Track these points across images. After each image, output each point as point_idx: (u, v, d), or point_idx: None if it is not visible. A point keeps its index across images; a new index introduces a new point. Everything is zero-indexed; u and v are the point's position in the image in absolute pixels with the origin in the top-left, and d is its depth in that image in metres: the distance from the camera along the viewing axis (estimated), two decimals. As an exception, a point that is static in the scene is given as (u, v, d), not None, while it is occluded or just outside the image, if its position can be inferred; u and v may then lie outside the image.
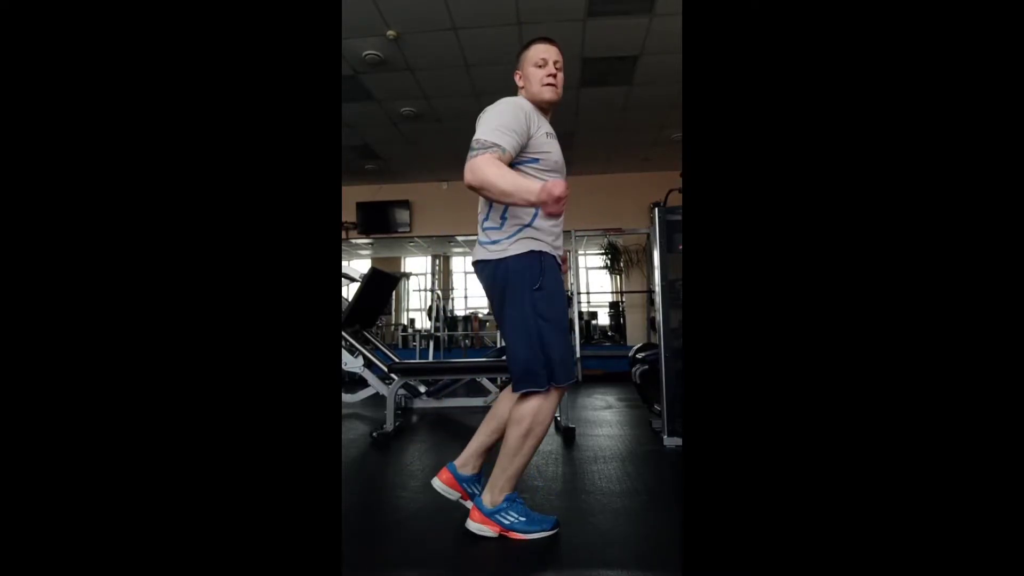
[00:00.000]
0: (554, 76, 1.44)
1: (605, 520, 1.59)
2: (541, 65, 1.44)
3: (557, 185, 1.20)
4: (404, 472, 2.18)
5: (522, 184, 1.26)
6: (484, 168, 1.29)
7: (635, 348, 3.17)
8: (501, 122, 1.35)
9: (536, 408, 1.41)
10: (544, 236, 1.42)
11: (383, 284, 3.90)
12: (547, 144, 1.41)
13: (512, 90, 1.55)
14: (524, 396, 1.42)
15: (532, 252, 1.40)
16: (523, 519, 1.46)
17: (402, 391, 3.40)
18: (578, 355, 5.06)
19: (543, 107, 1.48)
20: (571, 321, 1.41)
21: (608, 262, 7.22)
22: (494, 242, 1.43)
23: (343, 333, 3.38)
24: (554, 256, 1.45)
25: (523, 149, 1.38)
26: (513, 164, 1.36)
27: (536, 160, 1.40)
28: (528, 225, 1.41)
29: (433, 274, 8.29)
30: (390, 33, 3.35)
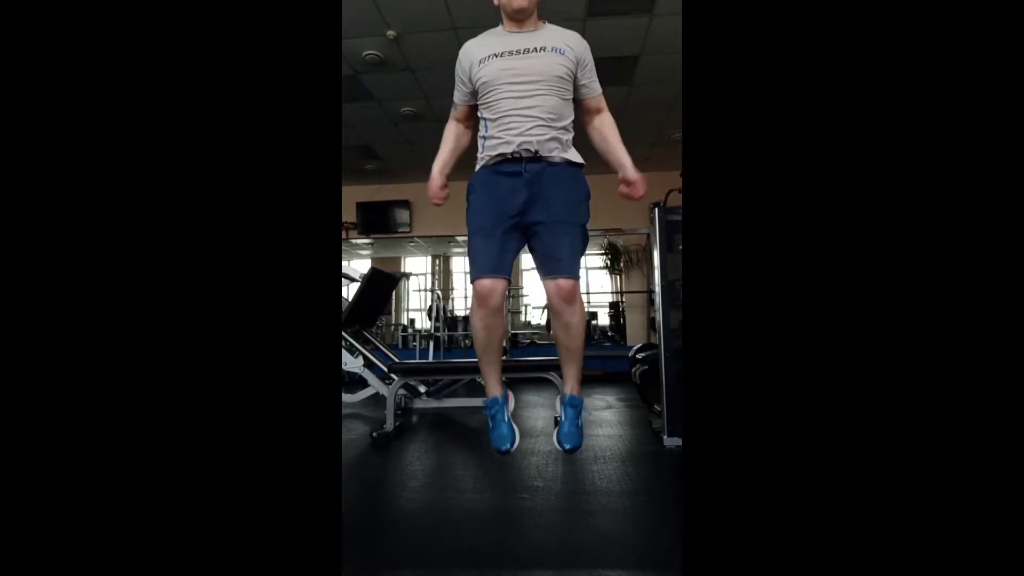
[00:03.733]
0: None
1: (605, 520, 1.59)
2: None
3: (430, 189, 1.53)
4: (404, 472, 2.18)
5: (436, 162, 1.58)
6: (444, 129, 1.57)
7: (635, 348, 3.16)
8: (455, 75, 1.55)
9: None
10: (486, 151, 1.52)
11: (383, 284, 3.90)
12: (481, 71, 1.49)
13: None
14: None
15: (476, 172, 1.56)
16: (491, 429, 1.56)
17: (402, 391, 3.39)
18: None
19: (517, 16, 1.50)
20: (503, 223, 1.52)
21: (608, 262, 7.21)
22: None
23: (343, 333, 3.38)
24: (490, 170, 1.51)
25: (473, 81, 1.51)
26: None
27: (481, 92, 1.52)
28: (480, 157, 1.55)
29: (433, 274, 8.28)
30: (390, 33, 3.34)
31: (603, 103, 1.62)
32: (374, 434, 2.69)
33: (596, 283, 7.67)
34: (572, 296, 1.50)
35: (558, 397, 1.65)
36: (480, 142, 1.53)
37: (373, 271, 3.55)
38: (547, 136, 1.48)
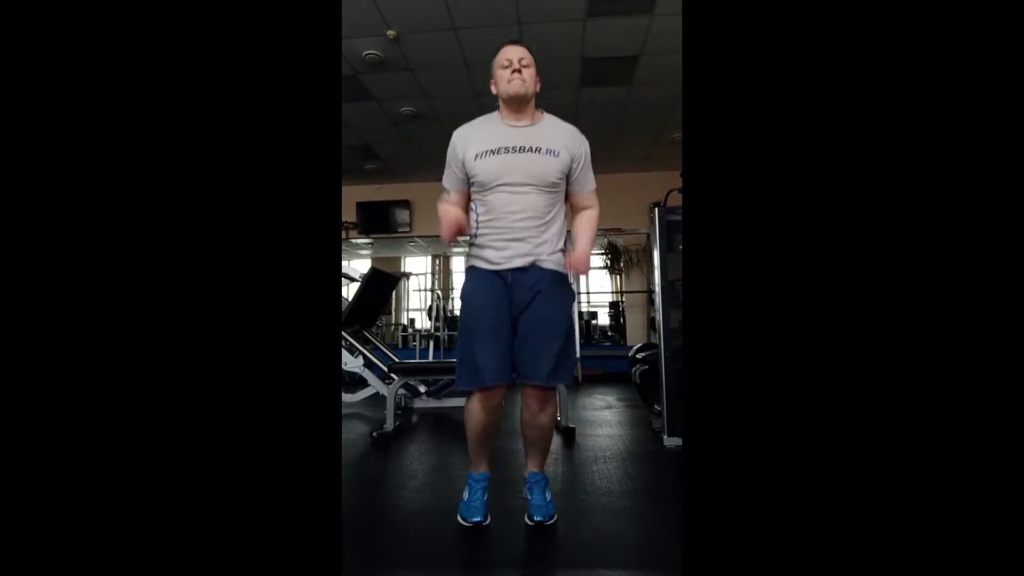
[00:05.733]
0: (519, 72, 1.50)
1: (605, 520, 1.59)
2: (506, 66, 1.52)
3: (443, 228, 1.50)
4: (404, 472, 2.18)
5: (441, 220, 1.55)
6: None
7: (635, 348, 3.16)
8: (447, 161, 1.58)
9: (466, 404, 1.55)
10: (478, 252, 1.55)
11: (383, 284, 3.90)
12: (475, 167, 1.52)
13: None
14: None
15: (469, 268, 1.59)
16: (464, 499, 1.59)
17: (402, 391, 3.39)
18: (578, 355, 5.05)
19: (513, 105, 1.53)
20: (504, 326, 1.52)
21: (608, 262, 7.21)
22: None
23: (343, 333, 3.38)
24: (486, 270, 1.53)
25: (468, 174, 1.54)
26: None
27: (473, 184, 1.55)
28: (472, 245, 1.58)
29: (433, 274, 8.28)
30: (390, 33, 3.35)
31: (593, 200, 1.62)
32: (374, 434, 2.69)
33: (596, 283, 7.67)
34: (545, 401, 1.53)
35: (524, 477, 1.65)
36: (472, 225, 1.56)
37: (373, 271, 3.55)
38: (540, 240, 1.50)
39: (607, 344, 6.54)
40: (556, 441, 2.62)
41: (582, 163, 1.56)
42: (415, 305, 8.27)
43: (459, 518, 1.55)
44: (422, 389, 3.52)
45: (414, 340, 6.66)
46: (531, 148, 1.50)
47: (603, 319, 7.32)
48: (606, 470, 2.12)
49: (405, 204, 6.52)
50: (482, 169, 1.49)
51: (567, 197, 1.60)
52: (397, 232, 6.59)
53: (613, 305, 7.27)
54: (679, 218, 2.51)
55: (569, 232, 1.60)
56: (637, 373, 2.95)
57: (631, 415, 3.37)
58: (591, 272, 7.54)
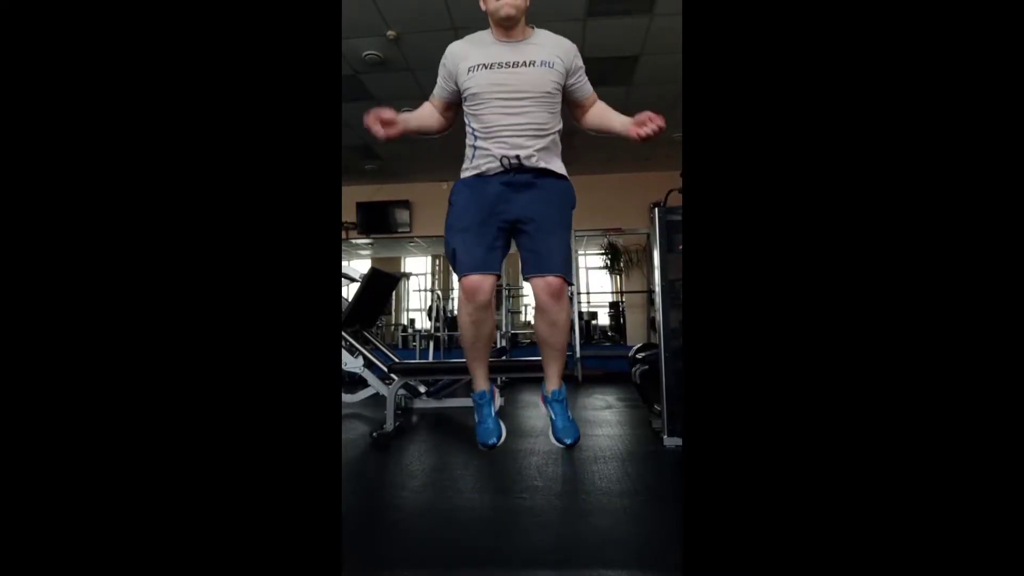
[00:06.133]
0: None
1: (605, 520, 1.59)
2: None
3: (375, 116, 1.46)
4: (404, 472, 2.18)
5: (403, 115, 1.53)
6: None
7: (635, 348, 3.16)
8: (439, 72, 1.58)
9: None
10: (471, 166, 1.53)
11: (383, 284, 3.90)
12: (468, 80, 1.50)
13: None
14: None
15: (459, 180, 1.57)
16: (476, 424, 1.58)
17: (402, 391, 3.39)
18: (578, 355, 5.05)
19: (505, 24, 1.51)
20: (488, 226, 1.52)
21: (608, 262, 7.21)
22: None
23: (343, 333, 3.38)
24: (475, 176, 1.52)
25: (460, 88, 1.52)
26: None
27: (467, 98, 1.52)
28: (466, 159, 1.56)
29: (433, 274, 8.29)
30: (390, 33, 3.35)
31: (595, 98, 1.62)
32: (374, 434, 2.69)
33: (596, 283, 7.67)
34: (560, 293, 1.51)
35: (541, 398, 1.64)
36: (468, 151, 1.53)
37: (373, 271, 3.55)
38: (536, 147, 1.48)
39: (607, 344, 6.54)
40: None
41: (578, 71, 1.57)
42: (415, 305, 8.27)
43: (479, 445, 1.57)
44: (422, 389, 3.52)
45: (414, 340, 6.66)
46: (525, 62, 1.50)
47: (603, 319, 7.32)
48: (606, 470, 2.12)
49: (405, 204, 6.51)
50: (475, 82, 1.49)
51: (570, 106, 1.60)
52: (397, 232, 6.59)
53: (613, 305, 7.27)
54: (679, 218, 2.51)
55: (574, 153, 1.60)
56: (637, 373, 2.95)
57: (631, 415, 3.37)
58: (591, 272, 7.57)
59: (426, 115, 1.62)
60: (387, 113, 1.47)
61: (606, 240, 6.99)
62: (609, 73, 3.90)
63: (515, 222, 1.49)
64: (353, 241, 6.88)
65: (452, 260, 1.52)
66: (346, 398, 3.87)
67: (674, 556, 1.32)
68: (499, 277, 1.53)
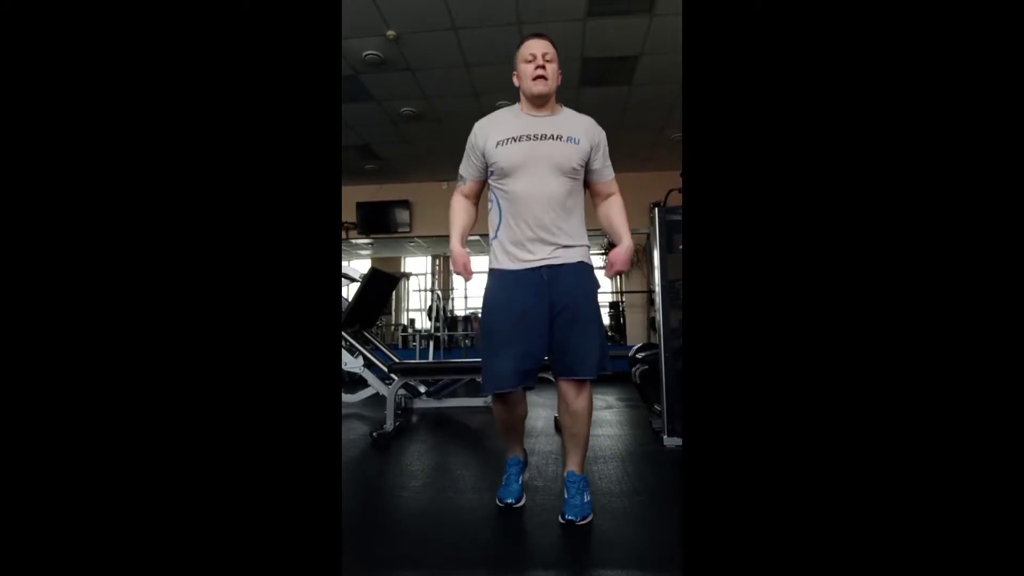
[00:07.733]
0: (543, 68, 1.50)
1: (605, 520, 1.59)
2: (530, 60, 1.52)
3: (457, 264, 1.55)
4: (404, 472, 2.18)
5: (452, 237, 1.59)
6: (451, 203, 1.65)
7: (635, 348, 3.16)
8: (466, 151, 1.59)
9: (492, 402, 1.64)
10: (501, 250, 1.56)
11: (383, 284, 3.90)
12: (496, 154, 1.52)
13: (512, 91, 1.62)
14: None
15: (490, 270, 1.59)
16: (503, 482, 1.72)
17: (402, 391, 3.39)
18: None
19: (537, 102, 1.53)
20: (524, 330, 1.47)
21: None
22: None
23: (343, 333, 3.38)
24: (508, 271, 1.54)
25: (488, 163, 1.55)
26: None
27: (492, 172, 1.55)
28: (495, 240, 1.59)
29: (433, 274, 8.29)
30: (390, 33, 3.35)
31: (614, 187, 1.66)
32: (374, 434, 2.69)
33: (596, 283, 7.65)
34: (581, 389, 1.55)
35: (562, 476, 1.68)
36: (493, 220, 1.58)
37: (373, 271, 3.55)
38: (562, 227, 1.52)
39: (607, 344, 6.53)
40: (556, 441, 2.63)
41: (601, 151, 1.59)
42: (415, 305, 8.27)
43: (497, 500, 1.68)
44: (422, 389, 3.52)
45: (414, 340, 6.67)
46: (552, 136, 1.51)
47: (603, 319, 7.32)
48: (606, 470, 2.12)
49: (405, 204, 6.52)
50: (503, 156, 1.50)
51: (588, 188, 1.63)
52: (397, 232, 6.59)
53: (613, 305, 7.28)
54: (679, 218, 2.51)
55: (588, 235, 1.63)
56: (637, 373, 2.95)
57: (631, 415, 3.37)
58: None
59: (463, 213, 1.63)
60: (467, 258, 1.56)
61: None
62: (609, 73, 3.90)
63: (554, 320, 1.52)
64: (353, 241, 6.89)
65: (487, 369, 1.53)
66: (346, 398, 3.87)
67: (674, 556, 1.32)
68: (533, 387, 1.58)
